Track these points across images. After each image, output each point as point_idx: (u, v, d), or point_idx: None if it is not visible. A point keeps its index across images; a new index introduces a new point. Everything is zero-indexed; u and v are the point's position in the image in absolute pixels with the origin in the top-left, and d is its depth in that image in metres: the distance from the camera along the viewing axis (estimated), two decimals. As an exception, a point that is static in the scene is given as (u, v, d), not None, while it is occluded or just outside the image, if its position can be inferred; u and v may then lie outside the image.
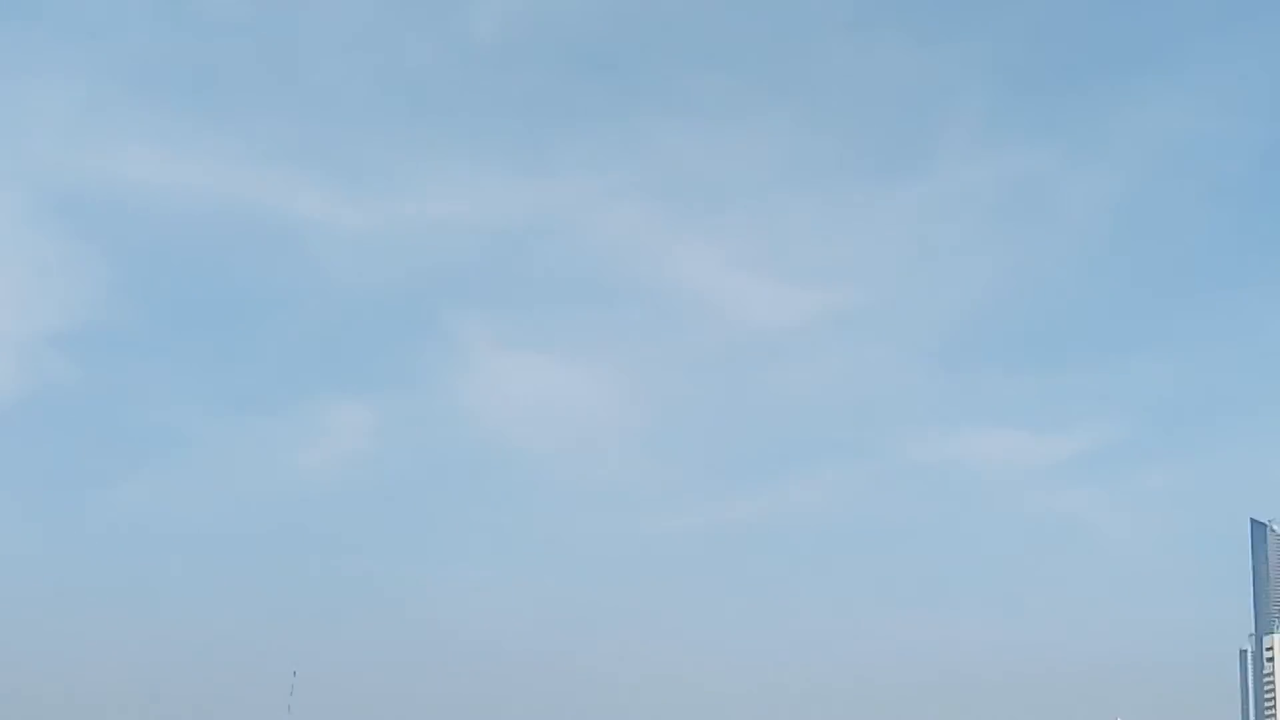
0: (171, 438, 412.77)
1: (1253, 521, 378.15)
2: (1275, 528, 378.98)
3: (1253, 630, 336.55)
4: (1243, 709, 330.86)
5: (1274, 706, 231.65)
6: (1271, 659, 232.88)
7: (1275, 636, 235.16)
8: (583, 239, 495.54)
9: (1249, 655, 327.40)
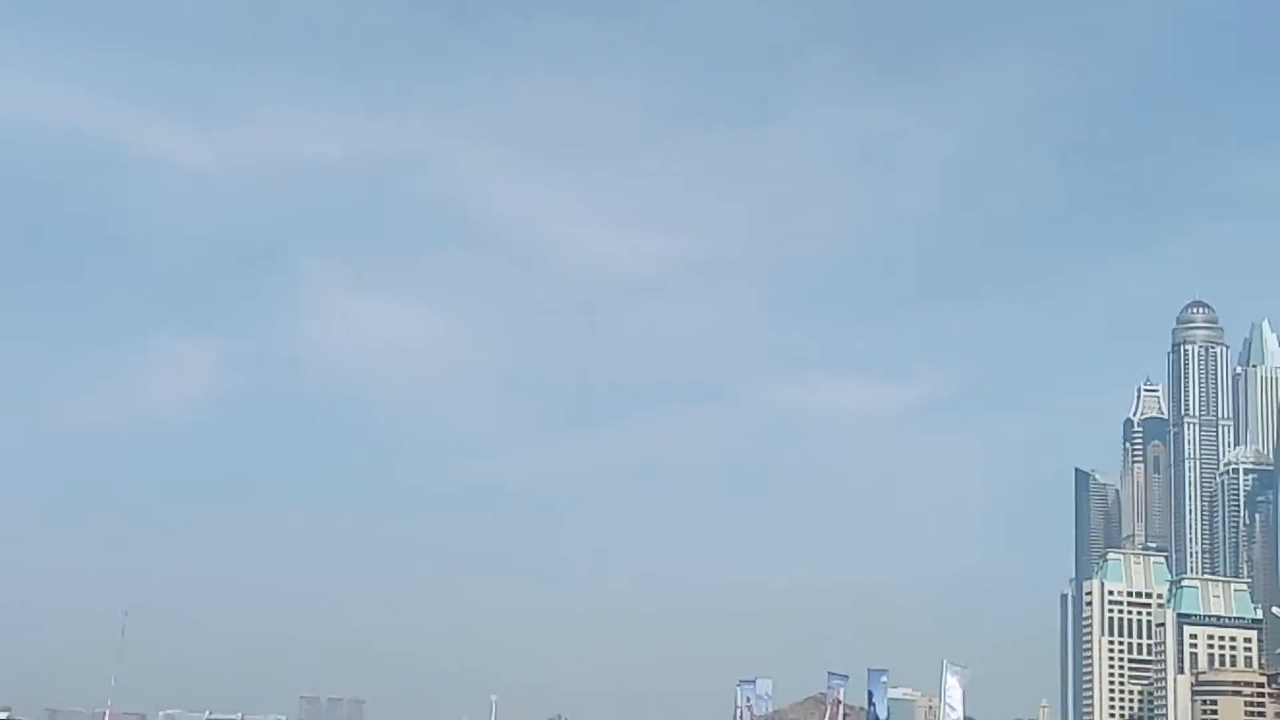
0: (5, 371, 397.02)
1: (1077, 471, 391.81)
2: (1098, 477, 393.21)
3: (1073, 575, 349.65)
4: (1061, 650, 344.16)
5: (1090, 648, 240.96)
6: (1090, 603, 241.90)
7: (1094, 582, 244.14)
8: (440, 183, 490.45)
9: (1069, 599, 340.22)
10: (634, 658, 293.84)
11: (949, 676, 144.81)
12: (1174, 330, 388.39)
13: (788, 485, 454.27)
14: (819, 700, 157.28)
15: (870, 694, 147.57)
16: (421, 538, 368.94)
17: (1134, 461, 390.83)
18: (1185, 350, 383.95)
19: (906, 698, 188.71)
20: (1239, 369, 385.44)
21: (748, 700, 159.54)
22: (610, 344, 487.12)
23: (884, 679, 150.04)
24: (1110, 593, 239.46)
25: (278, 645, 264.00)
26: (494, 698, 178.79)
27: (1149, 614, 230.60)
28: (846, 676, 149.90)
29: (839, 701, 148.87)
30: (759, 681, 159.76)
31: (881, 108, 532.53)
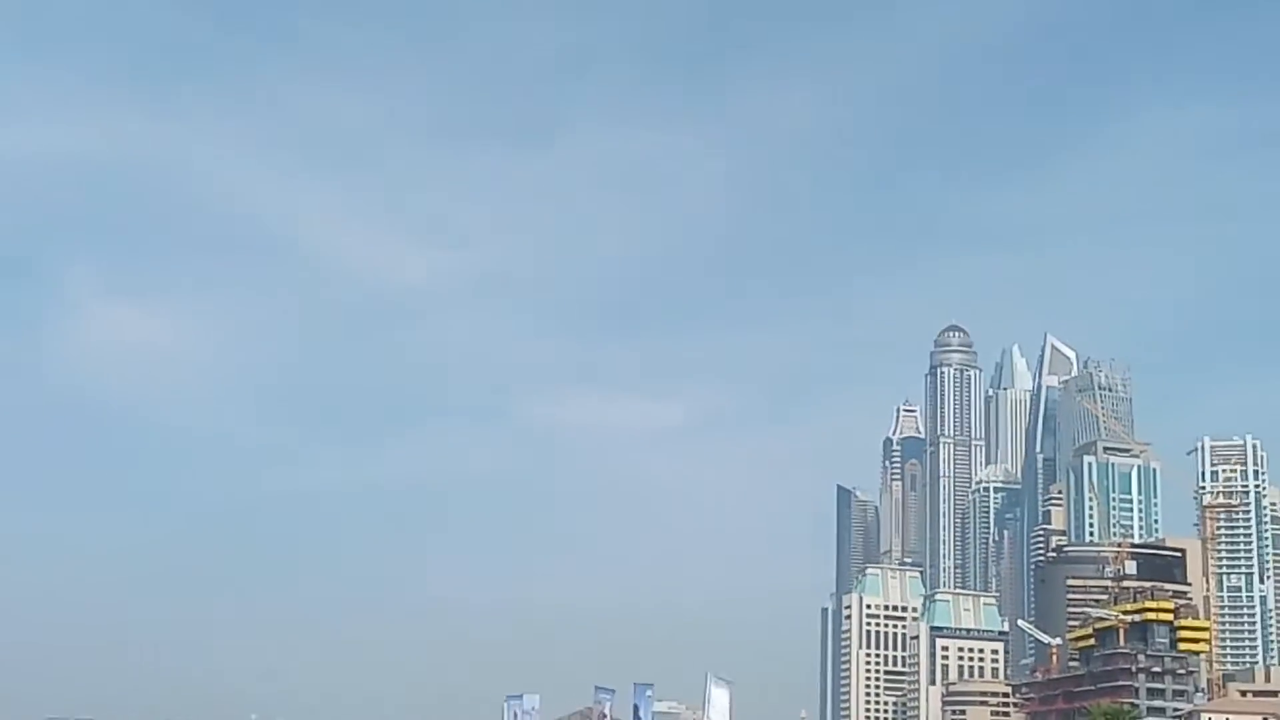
0: None
1: (839, 488, 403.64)
2: (859, 494, 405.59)
3: (834, 590, 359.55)
4: (822, 662, 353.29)
5: (849, 661, 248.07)
6: (849, 617, 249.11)
7: (854, 596, 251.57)
8: (204, 187, 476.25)
9: (829, 613, 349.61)
10: (401, 676, 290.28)
11: (713, 689, 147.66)
12: (932, 353, 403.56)
13: (557, 503, 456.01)
14: (585, 715, 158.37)
15: (636, 708, 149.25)
16: (170, 553, 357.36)
17: (892, 479, 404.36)
18: (942, 373, 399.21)
19: (672, 711, 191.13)
20: (991, 391, 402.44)
21: (515, 715, 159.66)
22: (383, 357, 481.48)
23: (649, 693, 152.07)
24: (868, 606, 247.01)
25: (16, 664, 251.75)
26: (253, 717, 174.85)
27: (904, 627, 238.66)
28: (613, 691, 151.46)
29: (605, 715, 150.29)
30: (526, 697, 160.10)
31: (664, 127, 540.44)
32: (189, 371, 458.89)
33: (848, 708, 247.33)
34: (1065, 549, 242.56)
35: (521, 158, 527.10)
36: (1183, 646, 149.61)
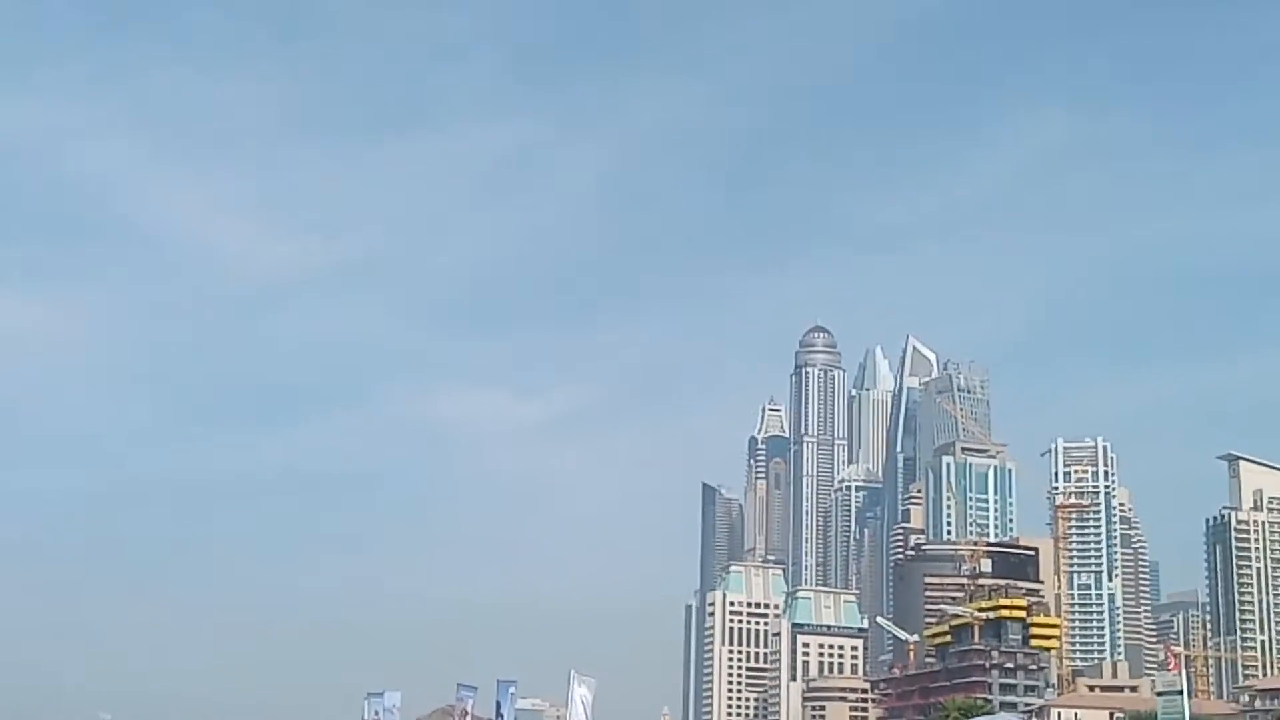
0: None
1: (704, 485, 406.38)
2: (724, 492, 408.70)
3: (698, 587, 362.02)
4: (685, 658, 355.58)
5: (712, 658, 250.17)
6: (713, 614, 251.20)
7: (717, 593, 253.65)
8: (62, 171, 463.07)
9: (694, 610, 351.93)
10: (260, 671, 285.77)
11: (576, 686, 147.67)
12: (797, 353, 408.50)
13: (423, 495, 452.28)
14: (447, 712, 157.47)
15: (498, 704, 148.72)
16: (29, 543, 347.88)
17: (757, 477, 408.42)
18: (806, 373, 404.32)
19: (535, 708, 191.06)
20: (854, 392, 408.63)
21: (376, 713, 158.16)
22: (252, 348, 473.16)
23: (512, 690, 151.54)
24: (731, 604, 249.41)
25: None
26: (106, 716, 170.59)
27: (766, 624, 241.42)
28: (475, 688, 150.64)
29: (467, 713, 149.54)
30: (387, 694, 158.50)
31: (531, 121, 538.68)
32: (55, 362, 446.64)
33: (710, 704, 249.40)
34: (923, 547, 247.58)
35: (392, 149, 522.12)
36: (1035, 643, 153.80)
